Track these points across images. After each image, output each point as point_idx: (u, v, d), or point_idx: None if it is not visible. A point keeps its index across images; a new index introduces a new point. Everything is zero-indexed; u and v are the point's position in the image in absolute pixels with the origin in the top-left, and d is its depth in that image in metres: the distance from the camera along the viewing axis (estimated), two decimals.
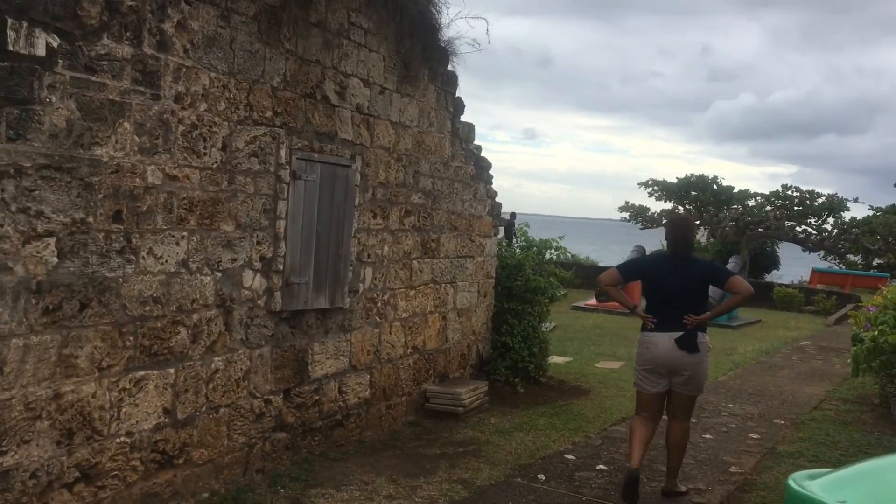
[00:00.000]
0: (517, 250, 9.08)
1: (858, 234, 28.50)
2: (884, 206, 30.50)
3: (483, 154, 8.14)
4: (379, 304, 6.50)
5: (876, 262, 30.85)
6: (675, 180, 28.61)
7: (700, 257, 5.83)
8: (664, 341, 5.18)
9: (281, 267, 5.29)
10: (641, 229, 31.26)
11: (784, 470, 6.26)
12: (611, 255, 33.65)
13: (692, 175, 28.24)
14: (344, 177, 5.83)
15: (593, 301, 18.03)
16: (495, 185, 8.43)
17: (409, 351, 7.01)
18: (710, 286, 5.50)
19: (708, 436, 7.23)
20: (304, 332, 5.63)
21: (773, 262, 30.78)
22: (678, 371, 5.20)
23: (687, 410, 5.41)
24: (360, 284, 6.23)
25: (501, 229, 9.06)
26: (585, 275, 23.33)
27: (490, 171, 8.31)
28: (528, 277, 8.57)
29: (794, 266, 34.33)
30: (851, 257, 30.77)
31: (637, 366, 5.46)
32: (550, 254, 9.12)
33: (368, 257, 6.30)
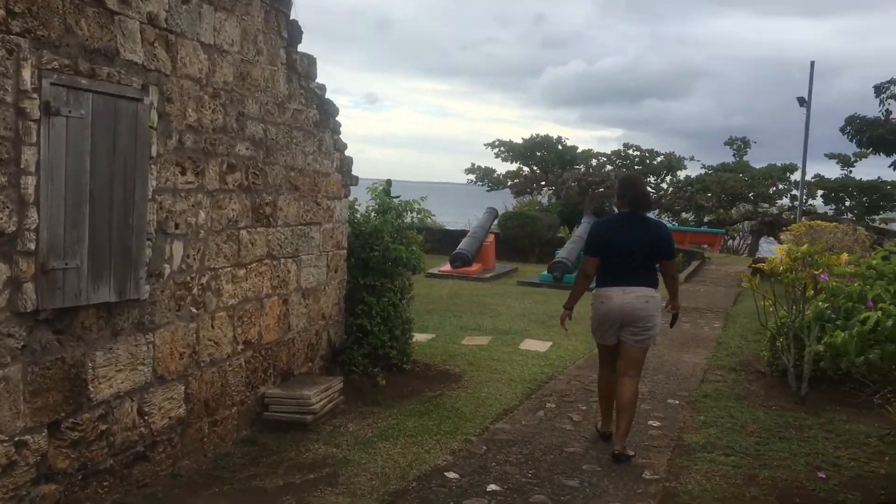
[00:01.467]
0: (372, 214, 7.52)
1: (693, 192, 29.00)
2: (715, 165, 31.25)
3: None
4: (195, 291, 4.78)
5: (706, 218, 31.70)
6: (520, 141, 27.87)
7: (654, 219, 6.06)
8: (618, 295, 5.27)
9: (32, 246, 3.48)
10: (488, 191, 30.45)
11: (704, 469, 5.16)
12: (460, 218, 32.71)
13: (537, 135, 27.58)
14: (132, 114, 4.03)
15: (447, 267, 16.79)
16: None
17: (239, 348, 5.33)
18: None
19: None
20: (78, 339, 3.84)
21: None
22: (632, 323, 5.31)
23: (638, 365, 5.49)
24: (166, 265, 4.48)
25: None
26: (436, 239, 22.05)
27: (338, 119, 6.67)
28: (387, 246, 7.06)
29: None
30: (685, 215, 31.42)
31: (593, 321, 5.54)
32: (412, 217, 7.63)
33: (177, 228, 4.55)
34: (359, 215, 7.40)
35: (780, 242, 32.87)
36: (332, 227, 6.68)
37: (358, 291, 7.04)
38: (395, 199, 7.73)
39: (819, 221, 10.68)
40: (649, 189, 27.13)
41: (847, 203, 30.45)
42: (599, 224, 5.72)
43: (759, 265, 7.14)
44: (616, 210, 5.82)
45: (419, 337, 8.98)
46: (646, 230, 5.37)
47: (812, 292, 7.06)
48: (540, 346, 9.08)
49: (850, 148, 32.10)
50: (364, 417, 6.01)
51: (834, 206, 30.66)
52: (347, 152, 6.94)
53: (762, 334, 10.39)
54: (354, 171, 7.12)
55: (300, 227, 6.06)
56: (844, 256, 6.94)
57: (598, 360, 5.78)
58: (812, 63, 20.97)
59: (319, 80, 6.29)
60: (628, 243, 5.31)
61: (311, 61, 6.07)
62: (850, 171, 30.54)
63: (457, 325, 10.39)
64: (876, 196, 30.05)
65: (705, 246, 25.78)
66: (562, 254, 16.17)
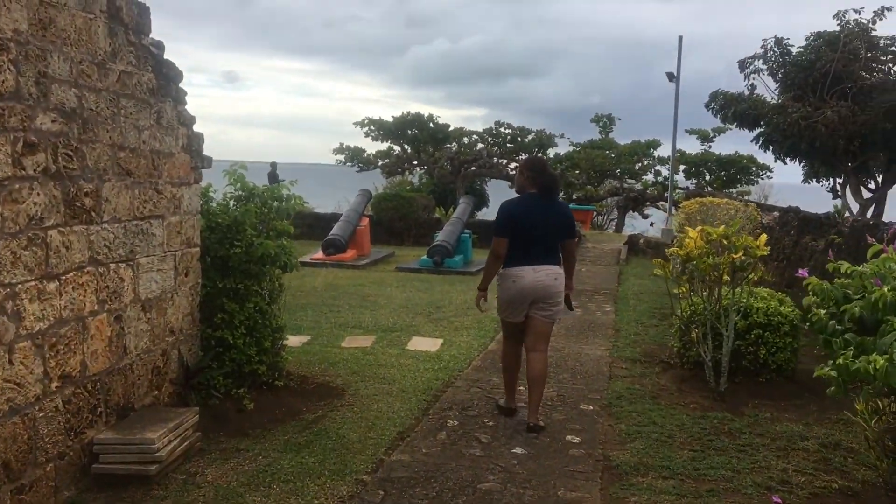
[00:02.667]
0: (231, 203, 6.22)
1: (563, 169, 28.80)
2: (583, 142, 31.22)
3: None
4: None
5: (575, 195, 31.71)
6: (391, 119, 26.71)
7: (559, 199, 5.84)
8: (529, 273, 5.38)
9: None
10: (358, 172, 29.13)
11: (644, 502, 4.28)
12: (330, 201, 31.20)
13: (408, 113, 26.48)
14: None
15: (320, 254, 15.51)
16: (197, 133, 5.55)
17: (54, 385, 3.99)
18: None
19: (519, 449, 5.09)
20: None
21: (483, 201, 30.34)
22: (542, 300, 5.44)
23: (547, 339, 5.67)
24: None
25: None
26: (306, 223, 20.65)
27: (182, 86, 5.34)
28: (251, 241, 5.81)
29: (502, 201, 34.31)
30: None
31: (502, 300, 5.56)
32: (282, 205, 6.38)
33: None
34: (214, 204, 6.09)
35: (644, 217, 33.61)
36: (180, 220, 5.36)
37: (216, 297, 5.77)
38: (282, 183, 6.47)
39: (711, 198, 10.20)
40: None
41: (707, 177, 31.19)
42: (509, 205, 5.59)
43: (674, 250, 6.40)
44: (517, 191, 5.76)
45: (293, 340, 7.78)
46: (553, 211, 5.50)
47: (728, 278, 6.39)
48: (430, 344, 8.06)
49: (706, 124, 32.95)
50: (227, 458, 4.78)
51: (695, 181, 31.34)
52: (206, 132, 5.64)
53: (659, 319, 9.84)
54: (216, 154, 5.84)
55: (136, 222, 4.73)
56: (763, 238, 6.29)
57: (503, 336, 5.85)
58: (680, 38, 20.94)
59: (171, 56, 4.98)
60: (537, 224, 5.40)
61: (142, 10, 4.71)
62: (710, 147, 31.31)
63: (335, 322, 9.21)
64: (733, 170, 30.92)
65: (578, 223, 25.63)
66: (441, 237, 15.23)
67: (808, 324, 3.37)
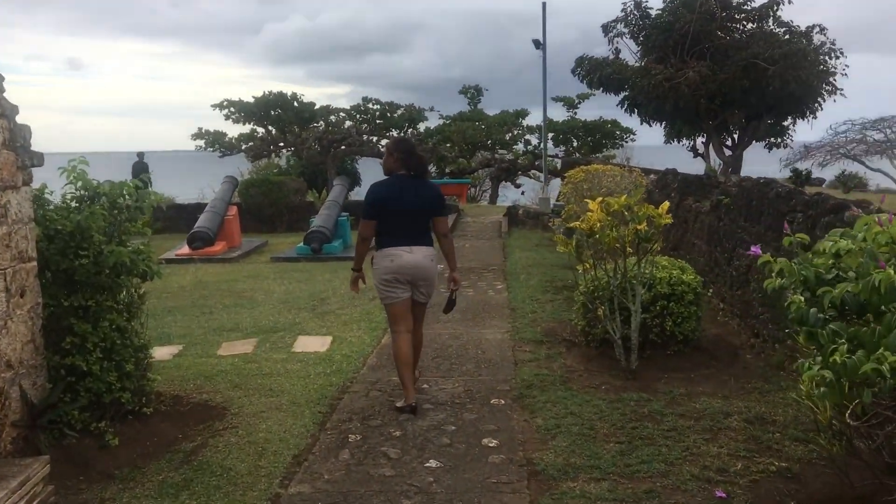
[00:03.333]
0: (73, 205, 5.29)
1: (435, 143, 28.37)
2: (452, 115, 30.87)
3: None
4: None
5: (448, 168, 31.41)
6: (252, 100, 25.30)
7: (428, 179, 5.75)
8: (406, 253, 5.37)
9: None
10: (220, 157, 27.58)
11: None
12: (190, 190, 29.46)
13: (270, 93, 25.14)
14: None
15: (185, 249, 14.37)
16: (37, 124, 4.59)
17: None
18: None
19: (433, 462, 4.54)
20: None
21: (355, 179, 29.50)
22: (418, 279, 5.44)
23: (421, 318, 5.74)
24: None
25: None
26: (167, 216, 19.26)
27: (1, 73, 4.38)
28: (100, 249, 4.92)
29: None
30: (428, 167, 30.87)
31: (380, 280, 5.46)
32: (130, 202, 5.47)
33: None
34: (52, 209, 5.14)
35: (517, 187, 33.77)
36: (9, 230, 4.44)
37: (63, 318, 4.87)
38: (75, 164, 5.49)
39: (595, 166, 9.95)
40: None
41: (574, 144, 31.60)
42: (377, 187, 5.54)
43: (576, 224, 5.99)
44: (385, 172, 5.66)
45: (160, 353, 6.92)
46: (421, 190, 5.47)
47: (632, 250, 6.05)
48: (318, 343, 7.37)
49: (570, 91, 33.33)
50: None
51: (563, 148, 31.69)
52: (49, 124, 4.67)
53: (553, 294, 9.54)
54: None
55: None
56: (666, 205, 5.98)
57: (391, 325, 5.65)
58: (544, 4, 20.78)
59: (7, 48, 4.00)
60: (408, 205, 5.40)
61: None
62: (575, 113, 31.67)
63: (209, 326, 8.34)
64: (599, 135, 31.46)
65: (454, 197, 25.29)
66: (318, 222, 14.42)
67: (788, 314, 2.97)
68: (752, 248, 3.24)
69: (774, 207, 6.77)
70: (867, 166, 30.59)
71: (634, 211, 5.86)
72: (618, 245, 5.91)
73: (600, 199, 6.08)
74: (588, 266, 6.26)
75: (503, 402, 5.59)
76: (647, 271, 6.17)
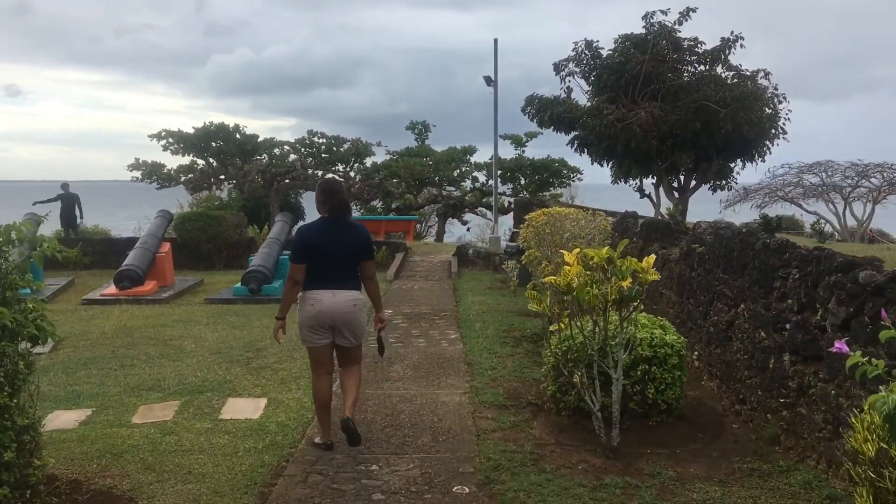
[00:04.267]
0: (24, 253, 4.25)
1: (382, 179, 27.55)
2: (399, 150, 30.17)
3: None
4: None
5: (394, 204, 30.61)
6: (192, 130, 24.15)
7: (354, 221, 5.59)
8: (328, 297, 5.27)
9: None
10: (158, 188, 26.25)
11: None
12: (125, 223, 28.03)
13: (212, 124, 24.02)
14: None
15: (113, 289, 13.16)
16: None
17: None
18: None
19: None
20: None
21: (299, 214, 28.43)
22: (340, 324, 5.31)
23: (357, 357, 5.53)
24: None
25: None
26: (97, 251, 17.96)
27: None
28: None
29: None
30: (373, 203, 30.01)
31: (302, 324, 5.38)
32: (23, 252, 4.48)
33: None
34: None
35: (464, 224, 33.11)
36: None
37: None
38: (25, 220, 4.54)
39: (557, 208, 9.23)
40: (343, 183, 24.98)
41: (522, 181, 31.17)
42: (304, 230, 5.48)
43: (551, 279, 5.18)
44: (318, 213, 5.58)
45: (64, 419, 5.88)
46: (348, 233, 5.40)
47: (613, 309, 5.28)
48: (251, 408, 6.38)
49: (517, 129, 33.04)
50: None
51: (511, 185, 31.23)
52: None
53: (513, 347, 8.72)
54: None
55: None
56: (652, 259, 5.23)
57: (312, 367, 5.52)
58: (496, 41, 20.27)
59: None
60: (333, 248, 5.32)
61: None
62: (523, 151, 31.32)
63: (126, 384, 7.27)
64: (546, 174, 31.12)
65: (401, 234, 24.47)
66: (257, 261, 13.37)
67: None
68: (837, 345, 2.47)
69: (762, 261, 6.09)
70: (804, 209, 30.92)
71: (617, 265, 5.10)
72: (598, 304, 5.13)
73: (577, 250, 5.31)
74: (564, 325, 5.45)
75: (467, 490, 4.70)
76: (629, 332, 5.40)
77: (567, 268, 5.12)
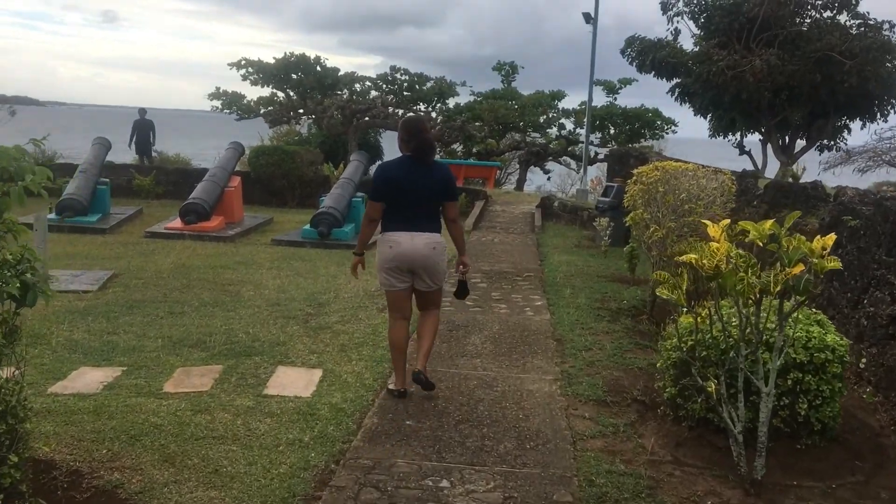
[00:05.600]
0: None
1: (464, 121, 26.16)
2: (484, 91, 28.63)
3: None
4: None
5: (475, 149, 29.23)
6: (272, 61, 23.20)
7: (437, 161, 5.35)
8: (406, 240, 5.04)
9: None
10: (238, 120, 25.58)
11: None
12: (210, 152, 27.46)
13: (292, 55, 23.00)
14: None
15: (178, 223, 12.38)
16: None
17: None
18: None
19: None
20: None
21: (377, 154, 27.36)
22: (418, 268, 5.08)
23: (436, 301, 5.32)
24: None
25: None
26: (171, 180, 17.29)
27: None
28: None
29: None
30: (454, 146, 28.68)
31: (380, 267, 5.14)
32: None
33: None
34: None
35: (546, 173, 31.56)
36: None
37: None
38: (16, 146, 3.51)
39: (673, 163, 7.81)
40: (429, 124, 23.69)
41: (612, 131, 29.29)
42: (384, 167, 5.24)
43: (690, 257, 3.89)
44: (400, 152, 5.24)
45: (91, 378, 5.04)
46: (431, 173, 5.10)
47: (775, 302, 3.97)
48: (302, 382, 5.34)
49: (611, 74, 30.97)
50: None
51: (599, 134, 29.40)
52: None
53: (609, 321, 7.45)
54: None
55: None
56: (832, 238, 3.86)
57: (388, 311, 5.36)
58: None
59: None
60: (415, 187, 5.03)
61: None
62: (615, 99, 29.31)
63: (169, 337, 6.36)
64: (637, 124, 29.14)
65: (481, 180, 23.17)
66: (328, 202, 12.37)
67: None
68: None
69: None
70: None
71: (784, 245, 3.77)
72: (752, 296, 3.82)
73: (725, 221, 3.98)
74: (703, 318, 4.16)
75: None
76: (788, 334, 4.08)
77: (713, 244, 3.82)
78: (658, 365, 5.02)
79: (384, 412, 4.85)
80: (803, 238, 3.85)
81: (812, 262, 3.77)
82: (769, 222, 3.85)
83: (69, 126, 64.31)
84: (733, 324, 4.39)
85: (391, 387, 5.18)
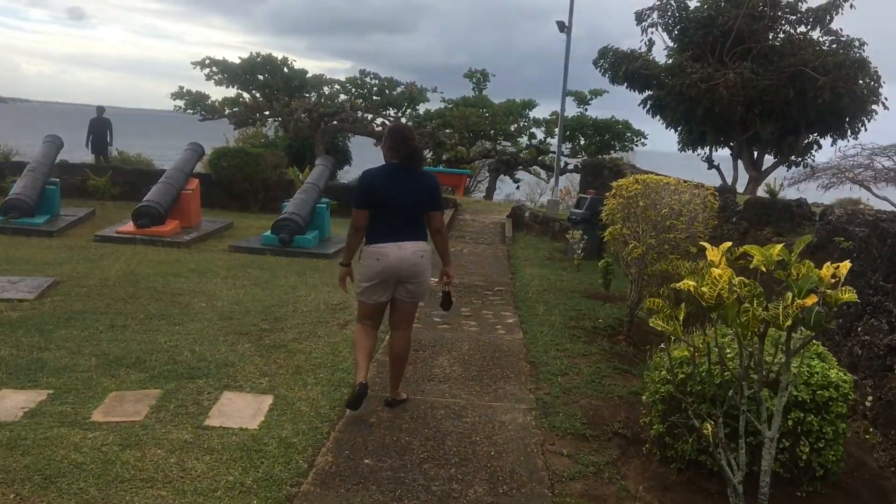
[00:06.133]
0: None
1: (434, 127, 25.71)
2: (455, 98, 28.20)
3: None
4: None
5: (445, 156, 28.77)
6: (237, 61, 22.50)
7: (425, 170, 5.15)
8: (394, 250, 4.88)
9: None
10: (201, 120, 24.80)
11: None
12: (170, 152, 26.57)
13: (258, 55, 22.32)
14: None
15: (130, 226, 11.70)
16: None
17: None
18: None
19: None
20: None
21: (345, 159, 26.73)
22: (405, 277, 4.92)
23: (410, 319, 5.15)
24: None
25: None
26: (128, 181, 16.55)
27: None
28: None
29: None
30: (425, 153, 28.17)
31: (364, 279, 4.95)
32: None
33: None
34: None
35: (515, 182, 31.21)
36: None
37: None
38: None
39: (652, 176, 7.39)
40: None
41: (582, 142, 29.04)
42: (369, 175, 4.99)
43: (687, 284, 3.43)
44: (384, 159, 5.02)
45: (11, 403, 4.55)
46: (417, 181, 4.95)
47: (782, 331, 3.53)
48: (250, 410, 4.78)
49: (580, 87, 30.75)
50: None
51: (569, 145, 29.13)
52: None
53: (586, 342, 7.00)
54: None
55: None
56: (846, 266, 3.43)
57: (357, 318, 5.10)
58: None
59: None
60: (400, 196, 4.87)
61: None
62: (586, 110, 29.08)
63: (107, 353, 5.75)
64: (607, 136, 28.94)
65: (451, 188, 22.71)
66: (290, 208, 11.79)
67: None
68: None
69: None
70: (873, 193, 28.35)
71: (793, 273, 3.33)
72: (756, 329, 3.37)
73: (726, 244, 3.54)
74: (699, 348, 3.69)
75: None
76: (794, 370, 3.64)
77: (714, 270, 3.36)
78: (644, 398, 4.56)
79: (340, 448, 4.32)
80: (811, 265, 3.41)
81: (824, 292, 3.34)
82: (778, 247, 3.41)
83: (30, 123, 62.67)
84: (728, 355, 3.97)
85: (356, 381, 4.89)
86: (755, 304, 3.34)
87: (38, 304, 7.22)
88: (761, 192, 17.35)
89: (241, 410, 4.75)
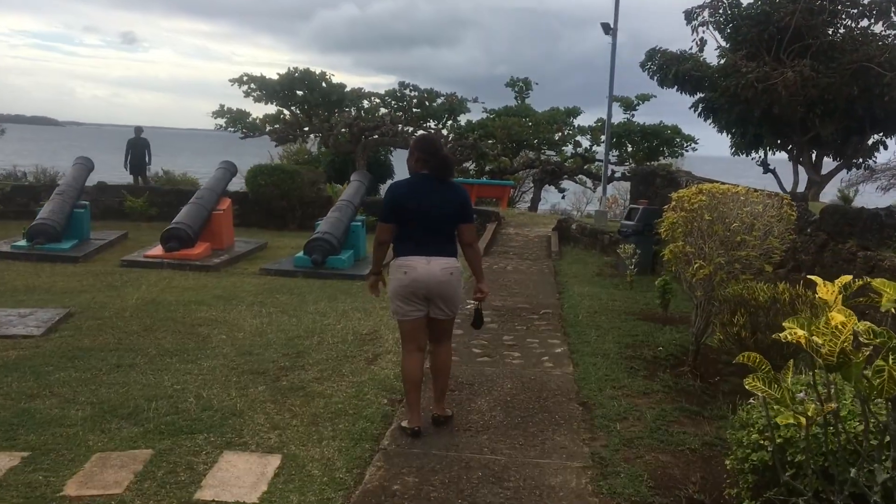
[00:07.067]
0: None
1: (476, 138, 24.91)
2: (497, 108, 27.37)
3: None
4: None
5: (487, 167, 27.97)
6: (276, 76, 22.05)
7: (453, 181, 4.91)
8: (422, 264, 4.67)
9: None
10: (242, 138, 24.43)
11: None
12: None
13: (296, 70, 21.87)
14: None
15: (158, 250, 11.13)
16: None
17: None
18: None
19: None
20: None
21: (388, 173, 26.13)
22: (434, 295, 4.70)
23: (448, 332, 4.95)
24: None
25: None
26: (166, 202, 16.11)
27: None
28: None
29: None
30: (466, 164, 27.42)
31: (394, 294, 4.75)
32: None
33: None
34: None
35: (560, 192, 30.21)
36: None
37: None
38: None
39: (717, 184, 6.47)
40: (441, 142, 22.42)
41: (629, 149, 27.94)
42: (396, 187, 4.82)
43: (799, 335, 2.57)
44: (409, 172, 4.86)
45: None
46: (446, 193, 4.75)
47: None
48: (251, 476, 4.01)
49: (627, 93, 29.66)
50: None
51: (616, 152, 28.06)
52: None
53: (646, 378, 6.08)
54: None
55: None
56: None
57: (402, 342, 4.89)
58: None
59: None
60: (428, 208, 4.68)
61: None
62: (633, 116, 27.97)
63: (101, 401, 5.05)
64: (656, 142, 27.79)
65: (494, 200, 21.87)
66: (324, 227, 11.10)
67: None
68: None
69: None
70: None
71: None
72: (890, 393, 2.48)
73: (845, 279, 2.65)
74: (812, 416, 2.80)
75: None
76: None
77: (834, 316, 2.47)
78: (727, 465, 3.65)
79: None
80: None
81: None
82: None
83: (83, 146, 63.80)
84: (846, 418, 3.06)
85: (404, 425, 4.76)
86: (891, 362, 2.45)
87: (42, 342, 6.59)
88: (833, 198, 16.14)
89: (240, 477, 3.97)
